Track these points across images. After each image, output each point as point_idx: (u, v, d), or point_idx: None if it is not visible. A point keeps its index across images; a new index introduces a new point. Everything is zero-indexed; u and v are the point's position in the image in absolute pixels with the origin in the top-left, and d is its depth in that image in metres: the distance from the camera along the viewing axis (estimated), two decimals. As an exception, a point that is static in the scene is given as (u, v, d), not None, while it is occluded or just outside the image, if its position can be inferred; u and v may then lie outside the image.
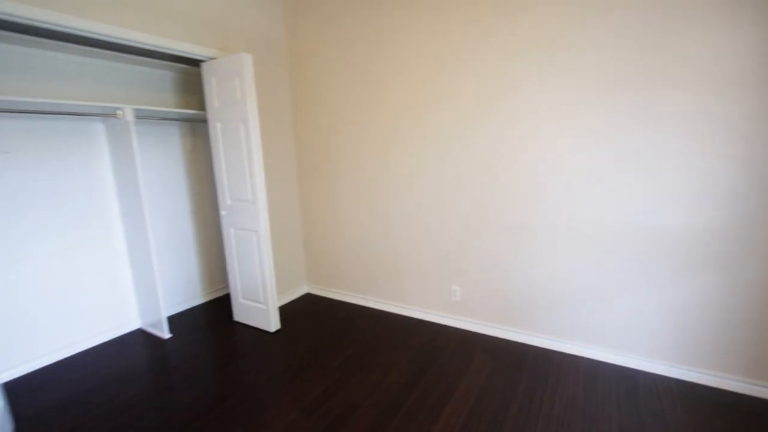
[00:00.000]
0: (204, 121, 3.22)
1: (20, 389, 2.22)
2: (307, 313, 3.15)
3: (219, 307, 3.29)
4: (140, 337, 2.82)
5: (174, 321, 3.05)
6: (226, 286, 3.59)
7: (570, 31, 2.10)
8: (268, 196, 3.13)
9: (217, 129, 2.71)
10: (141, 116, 2.75)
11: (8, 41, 2.16)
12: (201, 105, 3.17)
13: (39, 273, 2.43)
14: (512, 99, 2.32)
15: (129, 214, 2.73)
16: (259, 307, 2.84)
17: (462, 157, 2.56)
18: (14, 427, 1.90)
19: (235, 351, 2.59)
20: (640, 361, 2.21)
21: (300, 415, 1.94)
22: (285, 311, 3.19)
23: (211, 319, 3.07)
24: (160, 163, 3.05)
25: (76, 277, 2.61)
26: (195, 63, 2.85)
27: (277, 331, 2.84)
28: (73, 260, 2.59)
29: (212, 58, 2.62)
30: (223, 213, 2.85)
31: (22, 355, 2.38)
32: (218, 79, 2.61)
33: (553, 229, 2.33)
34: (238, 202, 2.74)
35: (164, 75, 2.98)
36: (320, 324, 2.95)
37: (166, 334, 2.79)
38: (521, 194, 2.39)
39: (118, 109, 2.48)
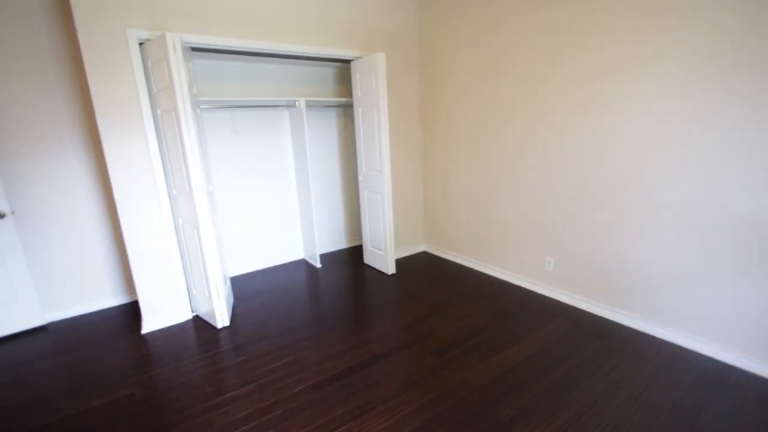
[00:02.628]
0: (352, 107, 4.10)
1: (237, 281, 3.60)
2: (419, 266, 3.81)
3: (355, 252, 4.26)
4: (303, 264, 4.00)
5: (324, 257, 4.16)
6: (361, 236, 4.55)
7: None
8: (395, 166, 3.84)
9: (359, 113, 3.51)
10: (310, 105, 3.76)
11: (232, 60, 3.36)
12: (351, 94, 4.04)
13: (249, 209, 3.76)
14: (620, 79, 2.33)
15: (299, 174, 3.82)
16: (381, 254, 3.64)
17: (571, 137, 2.68)
18: (234, 302, 3.19)
19: (360, 282, 3.46)
20: (733, 355, 2.07)
21: (395, 328, 2.63)
22: (402, 262, 3.93)
23: (349, 260, 4.05)
24: (323, 138, 4.08)
25: (270, 215, 3.88)
26: (348, 61, 3.67)
27: (393, 275, 3.59)
28: (269, 204, 3.85)
29: (358, 57, 3.38)
30: (360, 178, 3.70)
31: (240, 263, 3.78)
32: (361, 74, 3.36)
33: (657, 210, 2.29)
34: (371, 170, 3.52)
35: (327, 72, 3.93)
36: (427, 274, 3.57)
37: (318, 265, 3.88)
38: (628, 175, 2.40)
39: (296, 100, 3.50)
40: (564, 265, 2.87)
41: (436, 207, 3.98)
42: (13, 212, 2.75)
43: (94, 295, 3.13)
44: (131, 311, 3.09)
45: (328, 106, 3.98)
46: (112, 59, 2.40)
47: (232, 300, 3.15)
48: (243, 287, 3.47)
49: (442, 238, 3.99)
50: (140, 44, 2.49)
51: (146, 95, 2.54)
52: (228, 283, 3.09)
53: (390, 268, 3.59)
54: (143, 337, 2.70)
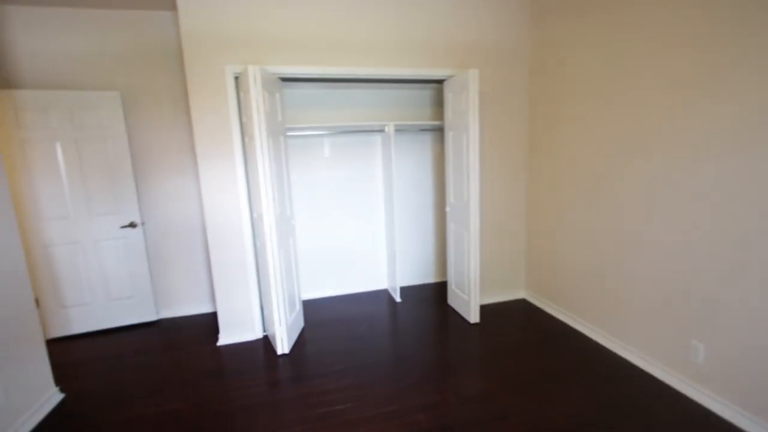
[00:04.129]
0: (450, 129, 3.76)
1: (310, 306, 3.58)
2: (512, 317, 3.16)
3: (441, 290, 3.82)
4: (384, 295, 3.77)
5: (407, 290, 3.84)
6: (455, 273, 4.09)
7: None
8: (492, 198, 3.32)
9: (449, 137, 3.15)
10: (400, 129, 3.58)
11: (325, 87, 3.42)
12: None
13: (336, 234, 3.74)
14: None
15: (388, 201, 3.65)
16: (463, 298, 3.13)
17: (747, 176, 1.81)
18: (303, 326, 3.15)
19: (436, 326, 3.03)
20: None
21: (457, 398, 2.14)
22: (493, 308, 3.32)
23: (431, 297, 3.65)
24: (415, 164, 3.84)
25: (357, 241, 3.80)
26: (442, 81, 3.37)
27: (476, 324, 3.04)
28: (356, 229, 3.78)
29: (451, 76, 3.05)
30: (447, 209, 3.30)
31: (321, 286, 3.78)
32: (453, 94, 3.02)
33: None
34: (458, 201, 3.10)
35: (424, 94, 3.71)
36: (519, 330, 2.91)
37: (398, 299, 3.59)
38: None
39: (385, 125, 3.37)
40: (723, 359, 1.91)
41: (541, 249, 3.27)
42: (143, 223, 3.29)
43: (198, 299, 3.51)
44: (220, 320, 3.36)
45: (423, 129, 3.74)
46: (212, 92, 2.66)
47: (301, 325, 3.11)
48: (318, 311, 3.43)
49: (547, 286, 3.24)
50: (236, 78, 2.71)
51: (237, 124, 2.74)
52: (299, 306, 3.06)
53: (473, 316, 3.05)
54: (218, 349, 2.85)
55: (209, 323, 3.27)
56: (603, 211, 2.58)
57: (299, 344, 2.86)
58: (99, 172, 3.07)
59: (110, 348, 2.96)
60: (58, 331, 3.12)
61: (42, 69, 2.93)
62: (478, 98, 2.75)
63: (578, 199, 2.80)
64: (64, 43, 2.95)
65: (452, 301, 3.38)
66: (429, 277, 4.06)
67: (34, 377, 2.16)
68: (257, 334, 2.99)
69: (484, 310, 3.30)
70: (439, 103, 3.74)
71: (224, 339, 2.93)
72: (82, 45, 2.98)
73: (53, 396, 2.26)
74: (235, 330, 2.95)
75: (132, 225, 3.20)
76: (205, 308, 3.52)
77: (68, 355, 2.87)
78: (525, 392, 2.18)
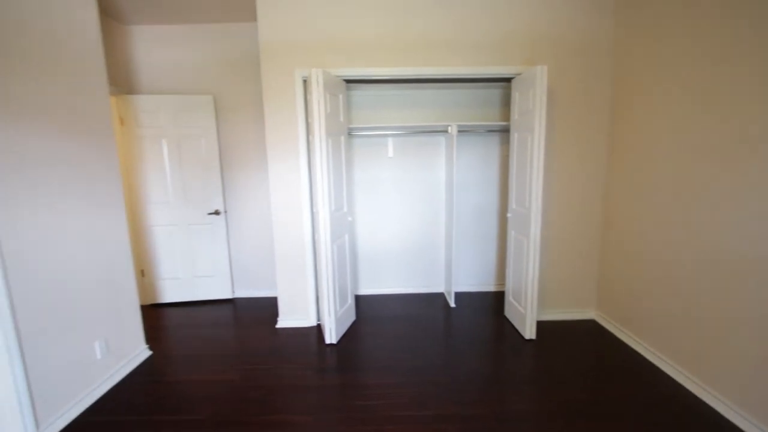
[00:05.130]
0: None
1: (365, 301, 3.67)
2: (576, 338, 2.85)
3: (499, 300, 3.61)
4: (439, 299, 3.70)
5: (462, 296, 3.72)
6: (518, 284, 3.83)
7: None
8: (561, 205, 3.04)
9: (514, 139, 2.97)
10: (464, 130, 3.46)
11: (387, 88, 3.45)
12: (520, 115, 3.49)
13: (397, 233, 3.78)
14: None
15: (448, 204, 3.57)
16: (519, 310, 2.93)
17: None
18: (355, 320, 3.25)
19: (487, 337, 2.88)
20: None
21: (487, 412, 2.02)
22: (555, 326, 3.04)
23: (487, 306, 3.47)
24: (480, 166, 3.69)
25: (416, 242, 3.80)
26: (510, 79, 3.18)
27: (531, 340, 2.82)
28: (416, 230, 3.78)
29: (518, 74, 2.86)
30: (508, 215, 3.11)
31: (379, 283, 3.85)
32: (520, 93, 2.83)
33: None
34: (520, 207, 2.90)
35: (493, 93, 3.54)
36: (583, 355, 2.62)
37: (452, 303, 3.49)
38: None
39: (448, 126, 3.30)
40: None
41: (619, 266, 2.89)
42: (225, 211, 3.72)
43: (266, 284, 3.85)
44: (283, 305, 3.64)
45: (491, 131, 3.57)
46: (283, 95, 2.89)
47: (352, 318, 3.22)
48: (372, 308, 3.50)
49: (622, 309, 2.85)
50: (304, 81, 2.90)
51: (304, 124, 2.93)
52: (350, 300, 3.17)
53: (528, 331, 2.83)
54: (275, 331, 3.10)
55: (273, 306, 3.56)
56: (699, 227, 2.19)
57: (348, 336, 2.96)
58: (193, 165, 3.55)
59: (192, 318, 3.41)
60: (155, 299, 3.70)
61: (154, 77, 3.50)
62: (545, 97, 2.54)
63: (669, 213, 2.41)
64: (170, 54, 3.47)
65: (508, 312, 3.18)
66: (488, 286, 3.87)
67: (130, 334, 2.59)
68: (311, 321, 3.17)
69: (543, 326, 3.04)
70: (509, 103, 3.54)
71: (282, 322, 3.17)
72: (184, 56, 3.47)
73: (143, 352, 2.70)
74: (292, 315, 3.17)
75: (216, 212, 3.64)
76: (272, 292, 3.85)
77: (159, 319, 3.38)
78: (573, 423, 1.96)
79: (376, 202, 3.74)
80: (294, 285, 3.14)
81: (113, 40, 3.35)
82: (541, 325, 3.05)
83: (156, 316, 3.45)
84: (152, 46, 3.46)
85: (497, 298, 3.65)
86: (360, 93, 3.51)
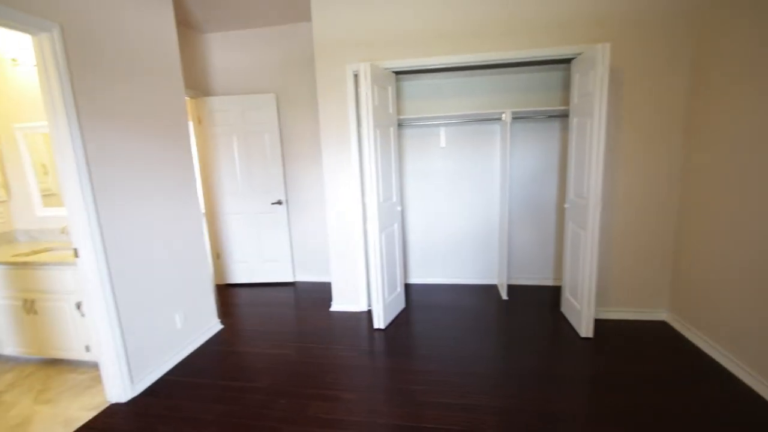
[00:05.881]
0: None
1: (416, 289, 3.73)
2: (638, 339, 2.62)
3: (555, 295, 3.42)
4: (492, 290, 3.62)
5: (517, 290, 3.59)
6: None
7: None
8: (626, 195, 2.79)
9: (573, 124, 2.77)
10: (519, 117, 3.30)
11: (440, 77, 3.40)
12: (584, 98, 3.23)
13: (450, 222, 3.76)
14: None
15: (502, 193, 3.45)
16: (575, 307, 2.76)
17: None
18: (404, 307, 3.32)
19: (540, 333, 2.77)
20: None
21: (530, 408, 1.97)
22: (614, 326, 2.82)
23: (542, 301, 3.32)
24: (538, 155, 3.49)
25: (471, 232, 3.75)
26: (569, 60, 2.94)
27: (587, 339, 2.65)
28: (470, 220, 3.73)
29: (578, 54, 2.65)
30: (566, 206, 2.93)
31: (424, 272, 3.88)
32: (580, 74, 2.62)
33: None
34: (578, 198, 2.71)
35: (553, 77, 3.31)
36: (643, 357, 2.41)
37: (504, 296, 3.40)
38: None
39: (502, 113, 3.17)
40: None
41: (698, 264, 2.56)
42: (286, 201, 4.00)
43: (322, 269, 4.08)
44: (338, 290, 3.84)
45: (551, 116, 3.36)
46: (335, 89, 3.02)
47: (402, 306, 3.30)
48: (423, 296, 3.55)
49: (698, 310, 2.54)
50: (355, 75, 2.99)
51: (354, 117, 3.03)
52: (400, 288, 3.25)
53: (584, 329, 2.66)
54: (329, 314, 3.30)
55: (329, 291, 3.78)
56: (789, 221, 1.88)
57: (396, 323, 3.05)
58: (258, 158, 3.87)
59: (258, 298, 3.76)
60: (228, 279, 4.14)
61: (226, 79, 3.85)
62: (607, 77, 2.33)
63: (764, 207, 2.09)
64: (238, 57, 3.79)
65: (564, 308, 3.02)
66: (544, 280, 3.68)
67: (205, 309, 2.95)
68: (362, 306, 3.32)
69: (604, 325, 2.84)
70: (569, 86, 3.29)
71: (335, 306, 3.37)
72: (250, 58, 3.77)
73: (215, 325, 3.06)
74: (345, 300, 3.34)
75: (279, 202, 3.94)
76: (329, 278, 4.08)
77: (230, 297, 3.78)
78: (624, 430, 1.84)
79: (428, 191, 3.74)
80: (346, 271, 3.30)
81: (193, 48, 3.75)
82: (602, 324, 2.85)
83: (228, 295, 3.86)
84: (223, 51, 3.81)
85: (554, 293, 3.46)
86: (413, 83, 3.52)
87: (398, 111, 3.55)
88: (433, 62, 2.86)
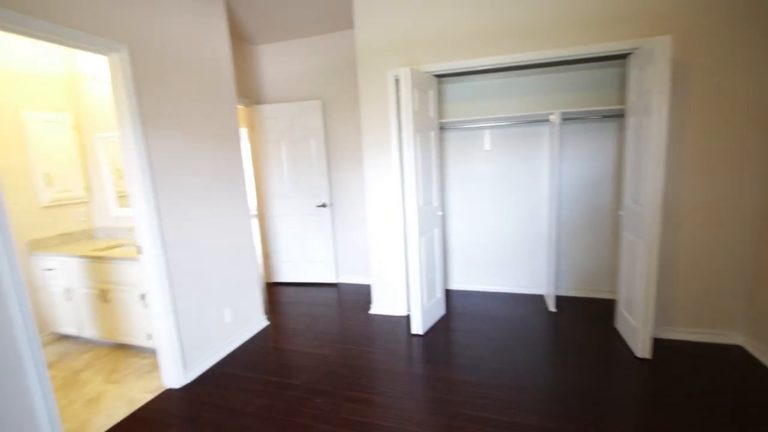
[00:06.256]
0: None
1: (458, 296, 3.65)
2: (705, 364, 2.35)
3: (609, 309, 3.14)
4: (538, 301, 3.44)
5: (567, 302, 3.37)
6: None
7: None
8: (693, 203, 2.51)
9: (630, 125, 2.55)
10: (570, 117, 3.10)
11: (485, 78, 3.29)
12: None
13: (495, 228, 3.64)
14: None
15: (551, 199, 3.27)
16: (631, 324, 2.53)
17: None
18: (444, 314, 3.26)
19: (588, 348, 2.59)
20: None
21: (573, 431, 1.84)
22: (678, 347, 2.55)
23: (593, 315, 3.09)
24: (592, 158, 3.26)
25: (516, 239, 3.60)
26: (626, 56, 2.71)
27: (643, 360, 2.42)
28: (516, 226, 3.58)
29: (635, 48, 2.43)
30: (620, 213, 2.70)
31: (466, 278, 3.78)
32: (638, 70, 2.42)
33: None
34: (635, 205, 2.49)
35: (604, 74, 3.07)
36: (711, 385, 2.15)
37: (551, 308, 3.22)
38: None
39: (550, 114, 3.01)
40: None
41: (781, 280, 2.25)
42: (331, 204, 4.12)
43: (364, 272, 4.14)
44: (379, 293, 3.87)
45: (606, 117, 3.12)
46: (377, 94, 3.05)
47: (441, 312, 3.24)
48: (464, 303, 3.47)
49: (786, 337, 2.22)
50: (396, 80, 3.00)
51: (396, 121, 3.04)
52: (440, 294, 3.20)
53: (641, 349, 2.43)
54: (368, 316, 3.34)
55: (369, 293, 3.82)
56: None
57: (436, 329, 3.01)
58: (304, 162, 4.02)
59: (302, 297, 3.90)
60: (276, 278, 4.34)
61: (276, 88, 4.06)
62: (668, 73, 2.12)
63: None
64: (287, 67, 3.97)
65: (619, 324, 2.78)
66: (597, 292, 3.42)
67: (252, 306, 3.12)
68: (401, 311, 3.31)
69: (665, 345, 2.57)
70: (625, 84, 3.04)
71: (374, 309, 3.40)
72: (297, 66, 3.94)
73: (261, 321, 3.22)
74: (384, 304, 3.36)
75: (323, 205, 4.07)
76: (369, 280, 4.12)
77: (277, 296, 3.96)
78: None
79: (472, 196, 3.65)
80: (385, 275, 3.31)
81: (247, 60, 4.00)
82: (663, 344, 2.58)
83: (275, 293, 4.05)
84: (273, 61, 4.02)
85: (607, 307, 3.20)
86: (455, 86, 3.46)
87: (440, 114, 3.51)
88: (475, 64, 2.79)
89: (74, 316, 2.99)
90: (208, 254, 2.66)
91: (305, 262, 4.24)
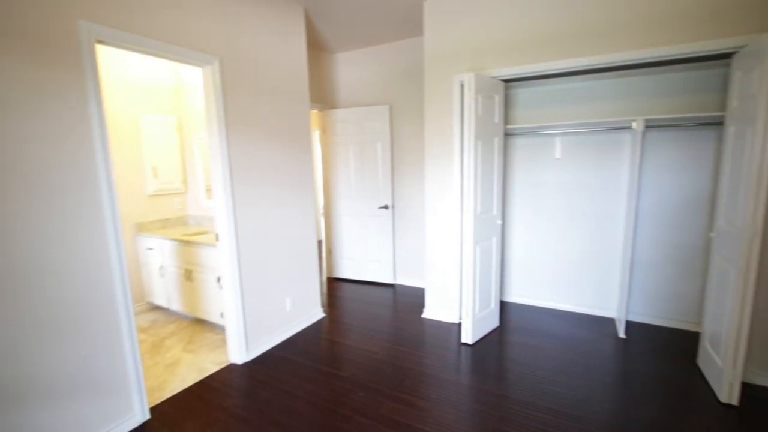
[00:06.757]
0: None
1: (515, 309, 3.49)
2: (819, 425, 1.94)
3: (693, 342, 2.75)
4: (607, 324, 3.14)
5: (638, 327, 3.04)
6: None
7: None
8: (812, 228, 2.10)
9: (729, 134, 2.22)
10: (655, 125, 2.80)
11: (553, 83, 3.09)
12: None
13: (562, 241, 3.43)
14: None
15: (628, 214, 2.97)
16: (716, 363, 2.19)
17: None
18: (498, 326, 3.15)
19: (661, 385, 2.31)
20: None
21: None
22: (783, 399, 2.15)
23: (672, 347, 2.73)
24: (682, 170, 2.90)
25: (586, 254, 3.35)
26: (729, 56, 2.35)
27: (728, 406, 2.08)
28: (586, 241, 3.33)
29: (741, 47, 2.11)
30: (711, 234, 2.36)
31: (527, 292, 3.59)
32: (742, 73, 2.10)
33: None
34: (728, 226, 2.17)
35: (699, 76, 2.70)
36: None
37: (621, 333, 2.92)
38: None
39: (632, 121, 2.74)
40: None
41: None
42: (393, 206, 4.21)
43: (421, 275, 4.16)
44: (434, 298, 3.85)
45: (702, 124, 2.75)
46: (442, 100, 3.07)
47: (495, 324, 3.14)
48: (521, 317, 3.30)
49: None
50: (462, 85, 2.98)
51: (459, 127, 3.03)
52: (494, 305, 3.09)
53: (726, 393, 2.10)
54: (421, 320, 3.35)
55: (424, 297, 3.82)
56: None
57: (486, 341, 2.92)
58: (370, 165, 4.17)
59: (359, 294, 4.05)
60: (335, 273, 4.56)
61: (349, 93, 4.27)
62: (781, 75, 1.82)
63: None
64: (359, 73, 4.16)
65: (702, 361, 2.43)
66: (677, 322, 3.01)
67: (311, 297, 3.34)
68: (453, 318, 3.27)
69: (757, 392, 2.19)
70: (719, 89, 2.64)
71: (427, 314, 3.40)
72: (369, 73, 4.11)
73: (318, 313, 3.42)
74: (437, 309, 3.35)
75: (385, 207, 4.17)
76: (423, 284, 4.13)
77: (335, 290, 4.16)
78: None
79: (538, 206, 3.47)
80: (440, 281, 3.30)
81: (323, 67, 4.27)
82: (754, 390, 2.21)
83: (334, 287, 4.26)
84: (347, 68, 4.24)
85: (689, 340, 2.81)
86: (525, 90, 3.32)
87: (508, 120, 3.39)
88: (544, 68, 2.66)
89: (165, 291, 3.48)
90: (274, 246, 2.91)
91: (365, 261, 4.39)
